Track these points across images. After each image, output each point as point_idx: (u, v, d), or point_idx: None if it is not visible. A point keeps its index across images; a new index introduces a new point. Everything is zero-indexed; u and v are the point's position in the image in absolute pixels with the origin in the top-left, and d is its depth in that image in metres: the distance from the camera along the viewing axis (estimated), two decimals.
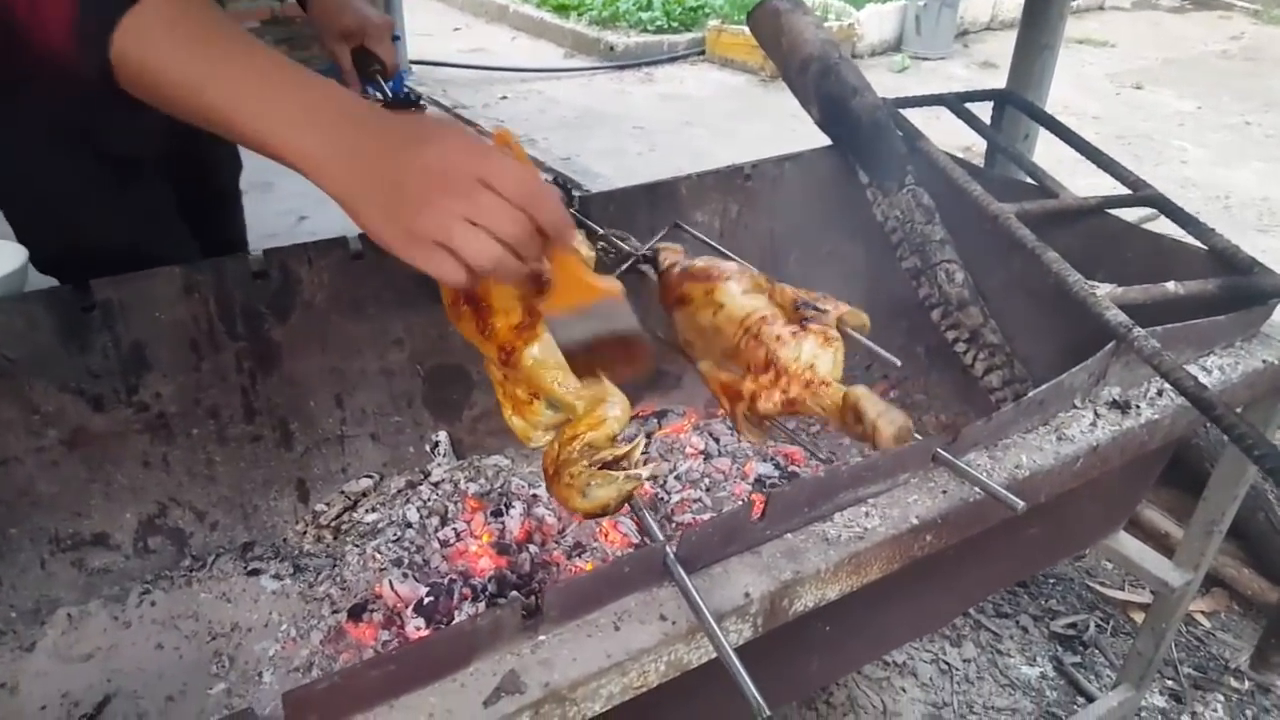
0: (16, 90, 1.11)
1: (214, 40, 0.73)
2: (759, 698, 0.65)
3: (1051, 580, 1.94)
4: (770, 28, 1.65)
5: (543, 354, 0.86)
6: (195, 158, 1.38)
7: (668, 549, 0.76)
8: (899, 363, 0.96)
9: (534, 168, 0.75)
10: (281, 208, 3.26)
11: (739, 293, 1.00)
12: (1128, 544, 1.48)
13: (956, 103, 1.66)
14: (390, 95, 1.39)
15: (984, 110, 1.76)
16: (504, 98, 5.03)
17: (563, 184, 1.30)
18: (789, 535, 0.85)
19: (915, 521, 0.87)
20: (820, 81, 1.57)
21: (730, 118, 4.86)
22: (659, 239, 1.17)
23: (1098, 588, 1.91)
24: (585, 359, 0.80)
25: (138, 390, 1.16)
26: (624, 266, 1.16)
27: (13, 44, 0.88)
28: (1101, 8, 7.73)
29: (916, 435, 0.90)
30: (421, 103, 1.33)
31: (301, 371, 1.26)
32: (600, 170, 3.88)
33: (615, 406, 0.84)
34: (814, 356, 0.89)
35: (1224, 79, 5.86)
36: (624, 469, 0.83)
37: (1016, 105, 1.71)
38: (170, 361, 1.16)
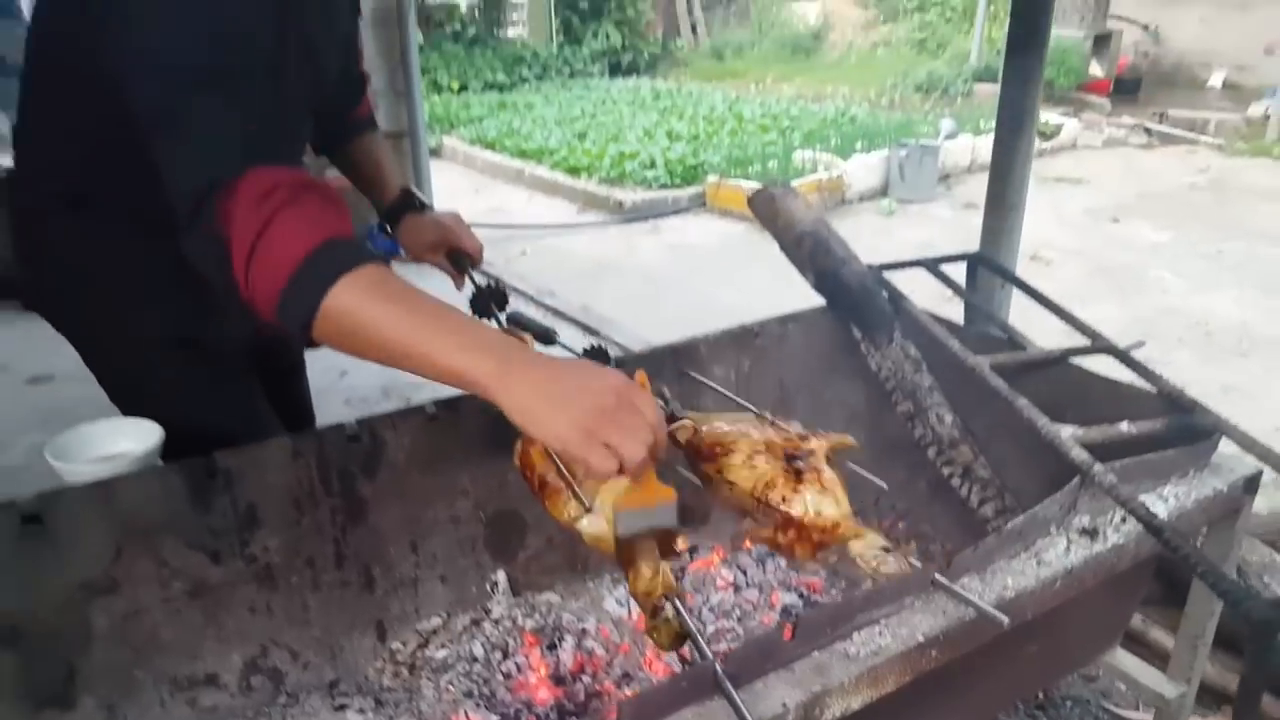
0: (142, 309, 1.37)
1: (410, 300, 0.95)
2: None
3: (1069, 702, 2.05)
4: (767, 209, 1.93)
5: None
6: (276, 344, 1.63)
7: (717, 665, 0.94)
8: (885, 485, 1.16)
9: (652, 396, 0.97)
10: (325, 364, 3.53)
11: (741, 463, 1.16)
12: (1127, 661, 1.62)
13: (933, 265, 1.92)
14: (478, 285, 1.61)
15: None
16: (524, 253, 5.42)
17: (602, 350, 1.52)
18: (816, 653, 1.02)
19: (921, 639, 1.04)
20: (814, 254, 1.83)
21: (732, 264, 5.21)
22: (674, 400, 1.38)
23: (1113, 709, 2.01)
24: (631, 544, 1.00)
25: (249, 544, 1.35)
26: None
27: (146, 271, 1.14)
28: (1074, 146, 8.27)
29: (915, 563, 1.09)
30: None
31: (384, 522, 1.45)
32: (615, 317, 4.17)
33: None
34: (818, 505, 1.09)
35: (1195, 210, 6.25)
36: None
37: (987, 266, 1.97)
38: (277, 518, 1.36)
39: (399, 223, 1.63)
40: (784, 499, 1.12)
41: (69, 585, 1.24)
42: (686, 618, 0.99)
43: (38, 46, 1.29)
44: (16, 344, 4.22)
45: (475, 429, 1.48)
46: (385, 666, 1.44)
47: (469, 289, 1.59)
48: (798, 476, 1.14)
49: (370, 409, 3.46)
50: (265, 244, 0.95)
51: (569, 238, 5.85)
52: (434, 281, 1.74)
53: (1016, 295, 2.25)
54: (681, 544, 1.04)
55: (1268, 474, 1.40)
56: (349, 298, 0.93)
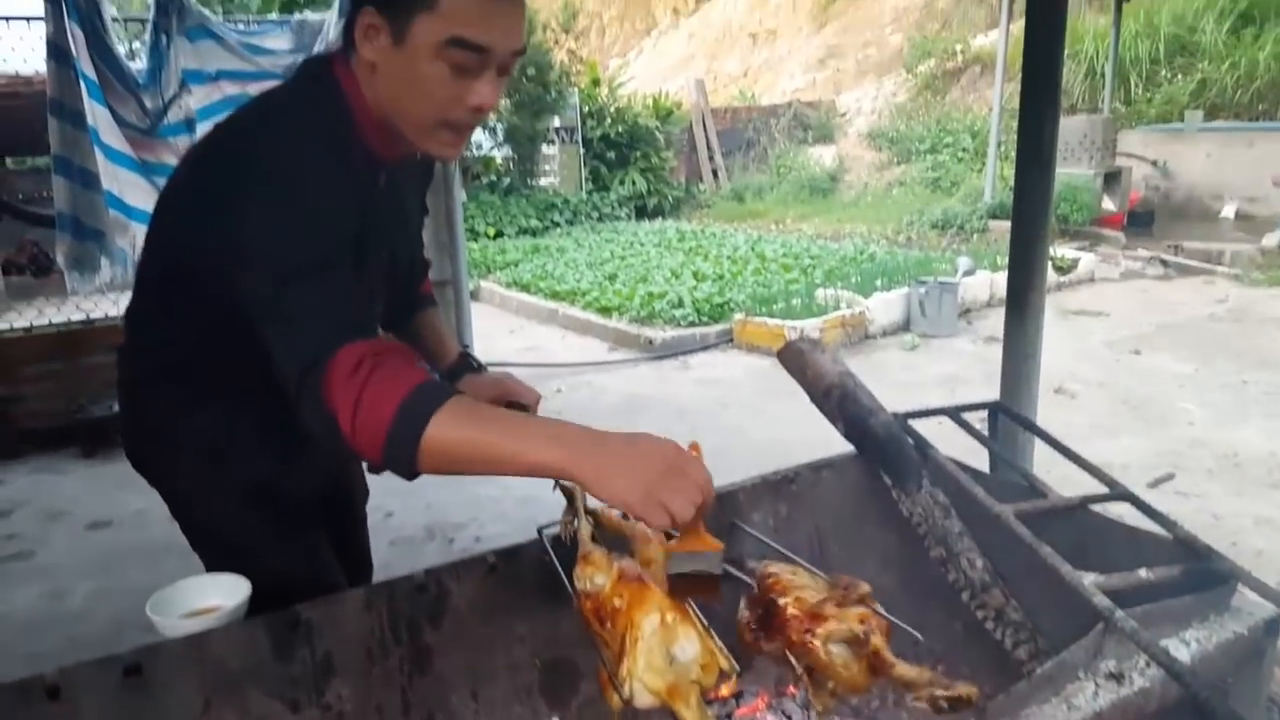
0: (224, 459, 1.54)
1: (490, 418, 1.17)
2: None
3: None
4: (796, 362, 2.09)
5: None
6: (340, 495, 1.78)
7: None
8: (920, 637, 1.25)
9: (704, 464, 1.15)
10: (371, 505, 3.67)
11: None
12: None
13: (956, 414, 2.05)
14: None
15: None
16: (559, 390, 5.62)
17: None
18: None
19: None
20: (841, 404, 1.97)
21: (760, 397, 5.36)
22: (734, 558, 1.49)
23: None
24: (681, 584, 1.17)
25: (324, 693, 1.45)
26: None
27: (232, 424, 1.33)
28: (1093, 279, 8.48)
29: (949, 709, 1.17)
30: None
31: (447, 669, 1.55)
32: None
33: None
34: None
35: (1216, 340, 6.35)
36: None
37: (1007, 415, 2.09)
38: (351, 667, 1.46)
39: (459, 382, 1.79)
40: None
41: None
42: None
43: (152, 239, 1.54)
44: (76, 490, 4.42)
45: (532, 578, 1.60)
46: None
47: None
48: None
49: (415, 549, 3.61)
50: (363, 409, 1.14)
51: (602, 375, 6.06)
52: None
53: (1037, 441, 2.37)
54: (727, 689, 1.16)
55: None
56: (442, 432, 1.12)
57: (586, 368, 6.18)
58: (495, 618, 1.59)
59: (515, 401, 1.80)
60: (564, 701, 1.66)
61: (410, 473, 1.15)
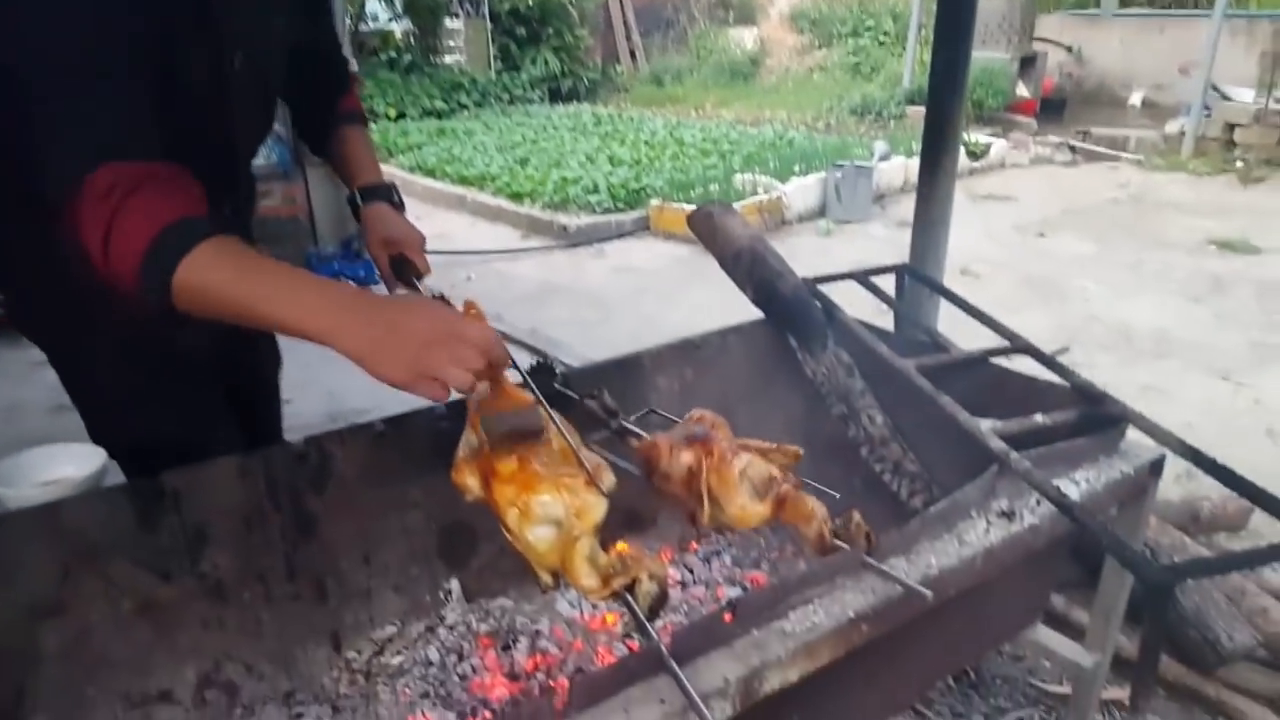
0: (94, 309, 1.38)
1: (254, 265, 1.04)
2: None
3: (999, 680, 2.14)
4: (706, 227, 2.01)
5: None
6: (244, 359, 1.64)
7: (663, 645, 0.99)
8: (837, 495, 1.23)
9: (486, 323, 1.09)
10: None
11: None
12: (1049, 636, 1.71)
13: (864, 278, 2.01)
14: (421, 293, 1.64)
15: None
16: (469, 278, 5.44)
17: (549, 363, 1.57)
18: (755, 631, 1.08)
19: (852, 615, 1.11)
20: (751, 269, 1.91)
21: (677, 284, 5.30)
22: (635, 417, 1.43)
23: (1039, 684, 2.11)
24: (502, 438, 1.15)
25: (199, 562, 1.36)
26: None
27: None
28: (1003, 165, 8.58)
29: (845, 547, 1.16)
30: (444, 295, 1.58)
31: (334, 535, 1.48)
32: (562, 339, 4.22)
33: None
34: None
35: (1116, 223, 6.54)
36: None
37: (915, 277, 2.07)
38: (226, 536, 1.38)
39: (369, 203, 1.61)
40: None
41: (16, 607, 1.24)
42: (636, 608, 1.04)
43: None
44: None
45: (424, 445, 1.52)
46: (341, 675, 1.46)
47: None
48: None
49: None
50: (115, 240, 1.03)
51: (514, 263, 5.89)
52: None
53: (944, 307, 2.37)
54: (539, 438, 1.17)
55: (1180, 464, 1.51)
56: (196, 277, 1.02)
57: (497, 256, 5.98)
58: (386, 484, 1.52)
59: (408, 258, 1.69)
60: (463, 563, 1.62)
61: (167, 309, 1.04)
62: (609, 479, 1.13)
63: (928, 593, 1.09)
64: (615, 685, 0.98)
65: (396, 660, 1.47)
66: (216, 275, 1.02)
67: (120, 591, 1.31)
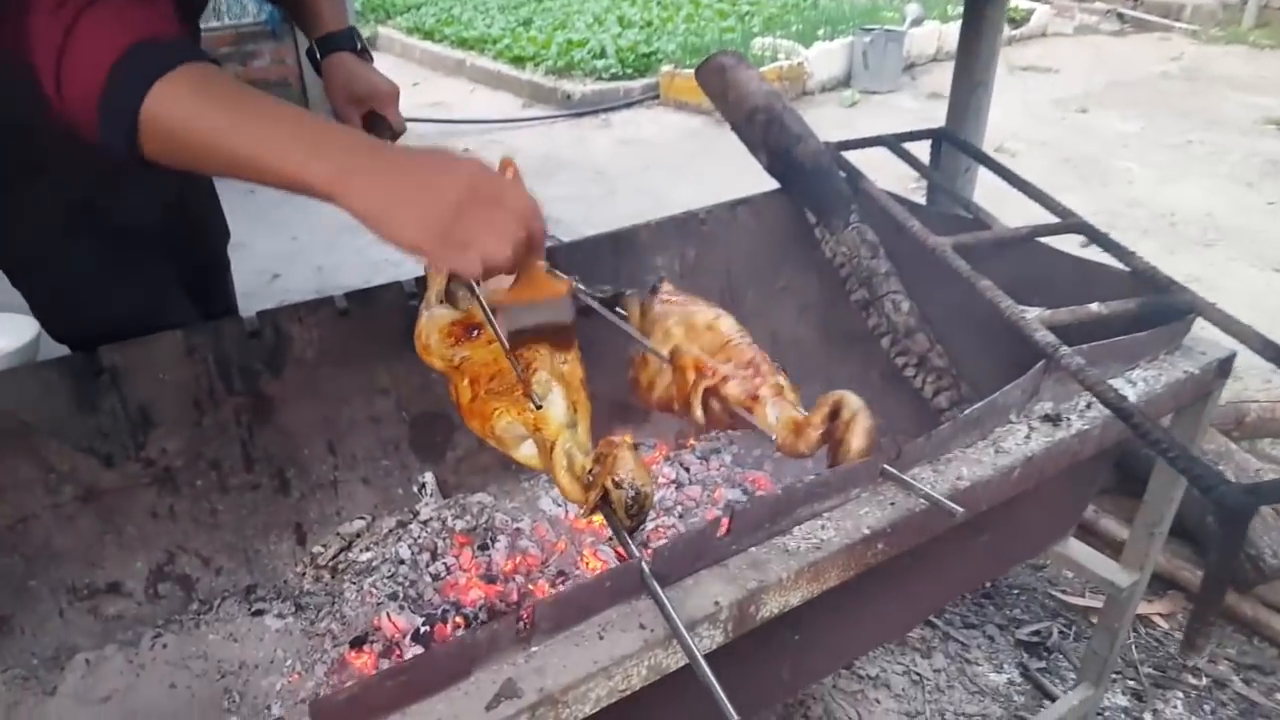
0: (33, 175, 1.20)
1: (238, 98, 0.84)
2: (725, 700, 0.74)
3: (1016, 590, 2.04)
4: (717, 82, 1.77)
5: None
6: (190, 230, 1.46)
7: (643, 564, 0.85)
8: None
9: (527, 190, 0.88)
10: (256, 266, 3.35)
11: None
12: (1078, 550, 1.58)
13: (895, 143, 1.79)
14: None
15: (925, 146, 1.90)
16: (466, 150, 5.15)
17: None
18: (753, 549, 0.94)
19: (867, 532, 0.97)
20: (766, 131, 1.69)
21: (688, 159, 5.01)
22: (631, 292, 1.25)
23: (1059, 595, 2.01)
24: (526, 340, 0.98)
25: (145, 447, 1.23)
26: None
27: (34, 126, 0.98)
28: (1044, 34, 8.02)
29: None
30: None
31: (295, 422, 1.34)
32: (562, 216, 3.99)
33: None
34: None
35: (1165, 99, 6.11)
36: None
37: (952, 143, 1.84)
38: (174, 419, 1.24)
39: (329, 56, 1.43)
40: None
41: None
42: (614, 516, 0.90)
43: None
44: None
45: (394, 324, 1.35)
46: (306, 570, 1.35)
47: None
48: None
49: None
50: (70, 59, 0.83)
51: (514, 134, 5.58)
52: None
53: (982, 180, 2.15)
54: (571, 341, 1.02)
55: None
56: (168, 108, 0.82)
57: (497, 126, 5.66)
58: (351, 367, 1.37)
59: (380, 115, 1.48)
60: (438, 455, 1.48)
61: (131, 152, 0.84)
62: (543, 387, 0.97)
63: (957, 508, 0.94)
64: (588, 607, 0.85)
65: (365, 557, 1.36)
66: (195, 109, 0.82)
67: (59, 478, 1.19)
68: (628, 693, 0.84)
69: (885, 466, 1.00)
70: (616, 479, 0.88)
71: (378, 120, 1.48)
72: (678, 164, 4.95)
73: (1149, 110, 5.83)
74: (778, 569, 0.91)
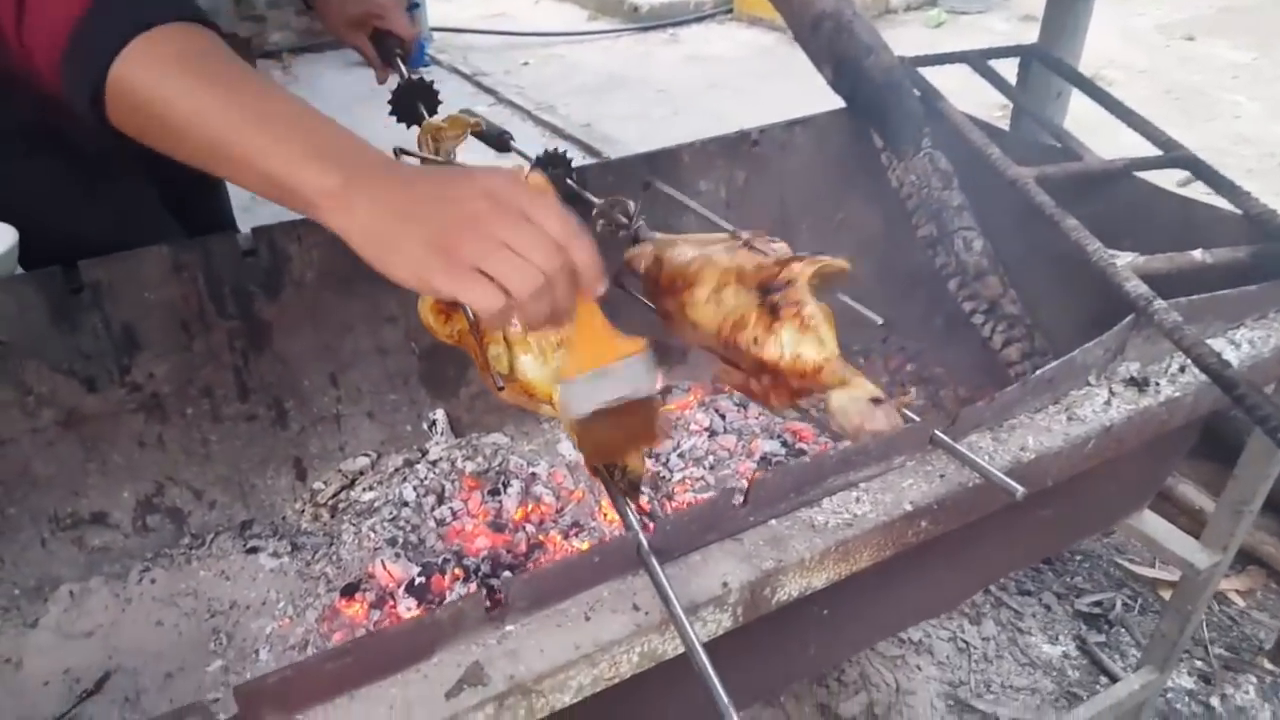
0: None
1: (231, 80, 0.70)
2: (721, 691, 0.62)
3: (1078, 557, 1.88)
4: None
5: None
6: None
7: (641, 538, 0.73)
8: (879, 320, 0.93)
9: (562, 207, 0.69)
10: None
11: (706, 299, 0.94)
12: (1153, 523, 1.41)
13: (980, 60, 1.58)
14: (405, 75, 1.33)
15: (1013, 67, 1.68)
16: (526, 63, 4.97)
17: (562, 156, 1.25)
18: (774, 522, 0.81)
19: (909, 508, 0.83)
20: (833, 40, 1.50)
21: (758, 79, 4.74)
22: (639, 219, 1.11)
23: (1126, 564, 1.84)
24: (599, 430, 0.73)
25: (130, 371, 1.15)
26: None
27: None
28: None
29: (913, 416, 0.86)
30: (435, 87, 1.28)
31: (294, 350, 1.24)
32: (620, 136, 3.82)
33: None
34: (797, 346, 0.85)
35: None
36: None
37: (1044, 62, 1.62)
38: (161, 342, 1.15)
39: None
40: (755, 340, 0.90)
41: None
42: (611, 486, 0.78)
43: None
44: None
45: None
46: (305, 508, 1.27)
47: (393, 83, 1.31)
48: (773, 312, 0.90)
49: None
50: (30, 8, 0.71)
51: (577, 47, 5.34)
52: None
53: (1072, 111, 1.92)
54: (659, 429, 0.77)
55: None
56: (145, 68, 0.68)
57: (559, 39, 5.43)
58: (355, 292, 1.26)
59: (385, 30, 1.35)
60: (451, 391, 1.38)
61: (97, 120, 0.72)
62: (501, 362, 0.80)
63: (1018, 488, 0.79)
64: (574, 584, 0.73)
65: (368, 497, 1.27)
66: (172, 81, 0.68)
67: (38, 400, 1.12)
68: (615, 681, 0.73)
69: (936, 433, 0.86)
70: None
71: (385, 38, 1.34)
72: (748, 85, 4.68)
73: (1265, 39, 5.30)
74: (800, 547, 0.78)
